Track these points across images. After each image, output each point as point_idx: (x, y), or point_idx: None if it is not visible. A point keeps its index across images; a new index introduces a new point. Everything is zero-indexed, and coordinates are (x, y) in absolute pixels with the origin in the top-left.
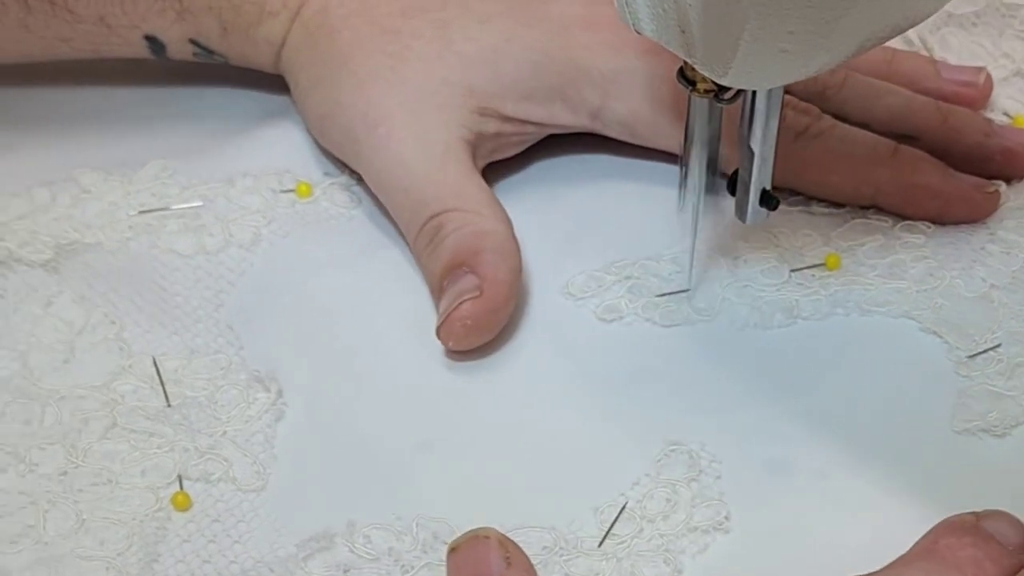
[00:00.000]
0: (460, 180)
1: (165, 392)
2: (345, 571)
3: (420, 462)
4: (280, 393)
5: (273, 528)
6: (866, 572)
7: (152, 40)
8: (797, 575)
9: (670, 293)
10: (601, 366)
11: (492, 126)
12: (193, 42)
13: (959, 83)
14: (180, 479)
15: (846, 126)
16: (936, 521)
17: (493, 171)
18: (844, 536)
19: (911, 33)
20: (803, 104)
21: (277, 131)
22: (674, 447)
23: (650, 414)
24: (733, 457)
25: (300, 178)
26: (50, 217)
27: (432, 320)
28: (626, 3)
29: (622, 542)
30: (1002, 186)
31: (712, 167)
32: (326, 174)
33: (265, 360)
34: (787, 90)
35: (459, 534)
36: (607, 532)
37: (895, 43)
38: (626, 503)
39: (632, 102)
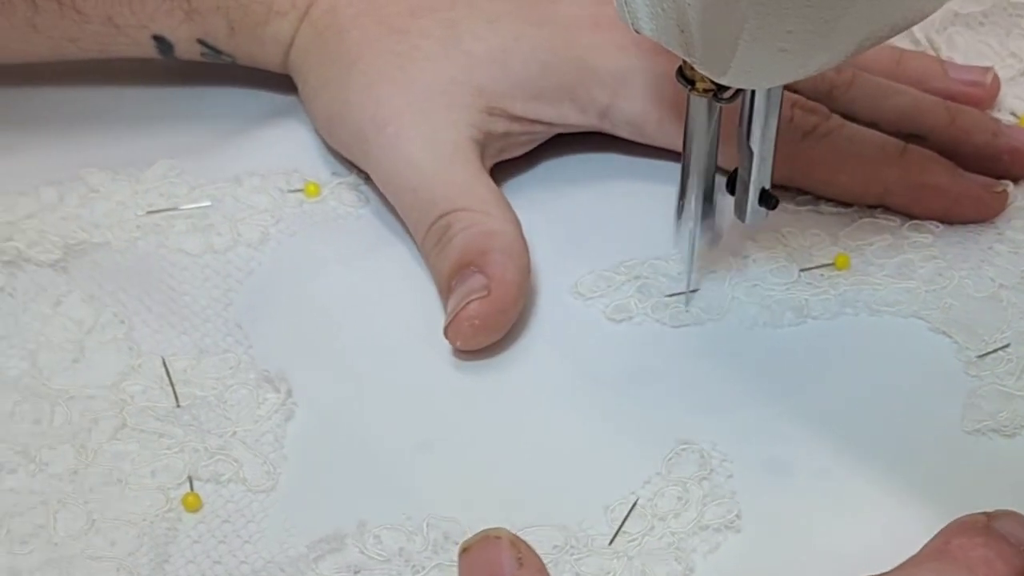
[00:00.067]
0: (468, 180)
1: (175, 392)
2: (356, 572)
3: (430, 462)
4: (290, 393)
5: (283, 528)
6: (877, 572)
7: (160, 40)
8: (808, 575)
9: (679, 293)
10: (611, 365)
11: (501, 126)
12: (201, 42)
13: (966, 83)
14: (190, 480)
15: (854, 125)
16: (947, 521)
17: (501, 170)
18: (854, 536)
19: (918, 33)
20: (811, 103)
21: (285, 131)
22: (685, 446)
23: (660, 413)
24: (744, 456)
25: (308, 178)
26: (58, 216)
27: (440, 320)
28: (625, 3)
29: (633, 540)
30: (1010, 186)
31: (709, 194)
32: (334, 173)
33: (274, 359)
34: (795, 89)
35: (470, 534)
36: (618, 529)
37: (902, 43)
38: (637, 500)
39: (641, 101)
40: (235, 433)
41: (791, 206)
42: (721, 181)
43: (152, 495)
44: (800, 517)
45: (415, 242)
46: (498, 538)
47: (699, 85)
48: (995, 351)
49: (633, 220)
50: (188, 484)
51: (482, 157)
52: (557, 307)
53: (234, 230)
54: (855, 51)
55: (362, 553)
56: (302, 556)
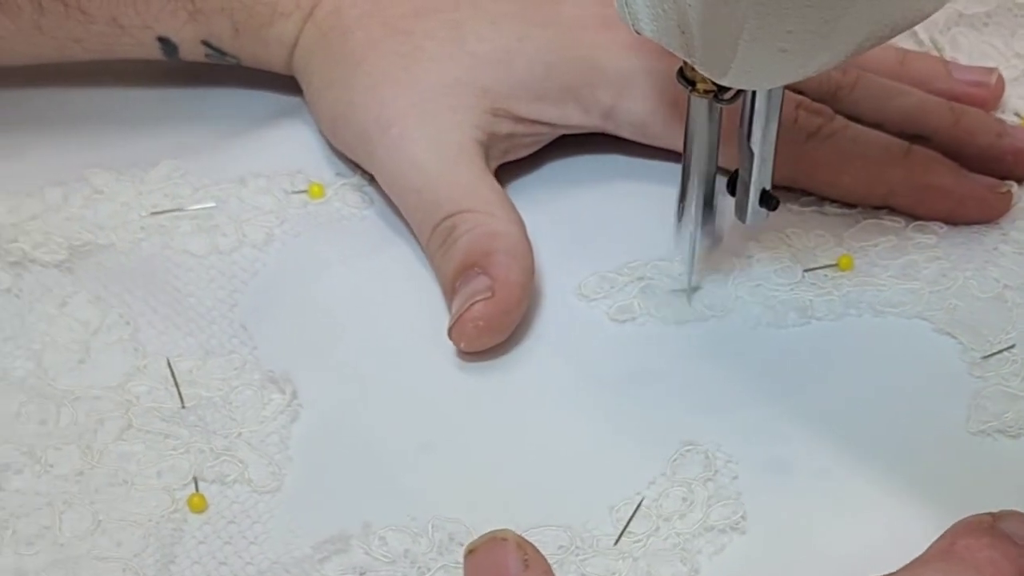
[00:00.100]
0: (473, 181)
1: (180, 393)
2: (361, 573)
3: (435, 463)
4: (295, 394)
5: (289, 529)
6: (883, 573)
7: (164, 41)
8: (814, 575)
9: (681, 290)
10: (614, 366)
11: (505, 127)
12: (205, 43)
13: (970, 84)
14: (196, 481)
15: (858, 126)
16: (952, 522)
17: (506, 172)
18: (859, 537)
19: (922, 33)
20: (815, 105)
21: (289, 132)
22: (689, 447)
23: (664, 414)
24: (748, 457)
25: (312, 179)
26: (62, 217)
27: (445, 321)
28: (625, 3)
29: (638, 541)
30: (1014, 186)
31: (709, 198)
32: (338, 174)
33: (279, 360)
34: (799, 90)
35: (475, 535)
36: (623, 529)
37: (906, 43)
38: (642, 499)
39: (645, 102)
40: (240, 434)
41: (795, 207)
42: (722, 182)
43: (158, 496)
44: (805, 518)
45: (419, 243)
46: (504, 539)
47: (700, 86)
48: (1000, 352)
49: (637, 221)
50: (193, 485)
51: (486, 158)
52: (561, 308)
53: (239, 231)
54: (855, 51)
55: (367, 554)
56: (307, 557)
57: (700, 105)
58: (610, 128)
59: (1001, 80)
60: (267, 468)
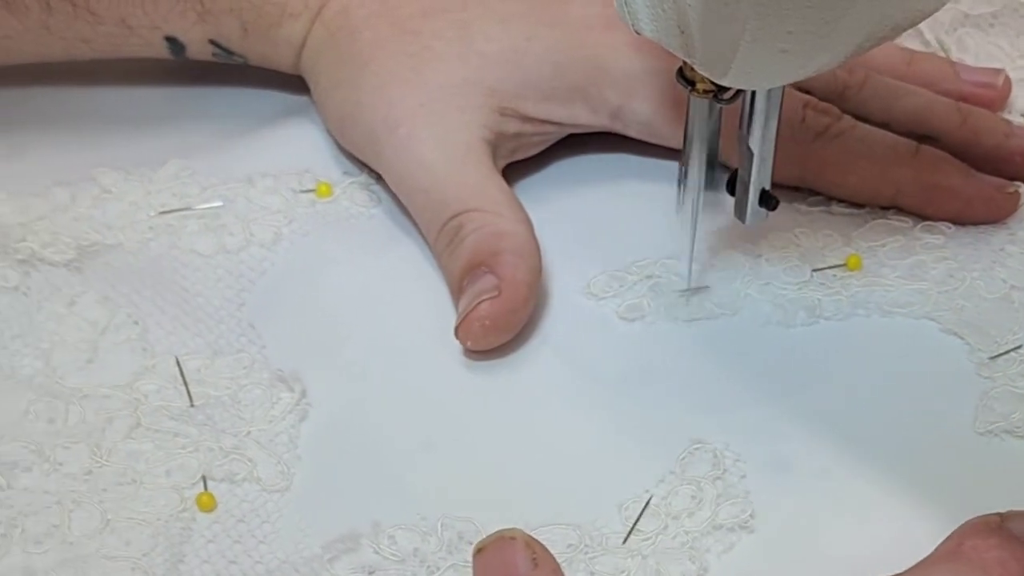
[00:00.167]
0: (480, 180)
1: (188, 392)
2: (371, 573)
3: (443, 462)
4: (304, 393)
5: (298, 528)
6: (891, 573)
7: (172, 41)
8: (822, 575)
9: (690, 289)
10: (623, 365)
11: (513, 126)
12: (213, 43)
13: (977, 84)
14: (204, 479)
15: (866, 126)
16: (960, 522)
17: (513, 171)
18: (866, 537)
19: (928, 34)
20: (823, 104)
21: (297, 131)
22: (698, 445)
23: (673, 413)
24: (757, 456)
25: (320, 178)
26: (70, 218)
27: (453, 320)
28: (625, 3)
29: (647, 539)
30: (1022, 187)
31: (712, 163)
32: (346, 173)
33: (288, 359)
34: (807, 90)
35: (484, 534)
36: (632, 527)
37: (912, 44)
38: (650, 498)
39: (652, 102)
40: (249, 433)
41: (803, 207)
42: (721, 183)
43: (166, 495)
44: (813, 517)
45: (427, 242)
46: (513, 538)
47: (699, 86)
48: (1007, 352)
49: (645, 220)
50: (202, 484)
51: (494, 158)
52: (569, 307)
53: (246, 230)
54: (856, 51)
55: (377, 553)
56: (316, 556)
57: (700, 105)
58: (618, 128)
59: (1008, 81)
60: (276, 467)
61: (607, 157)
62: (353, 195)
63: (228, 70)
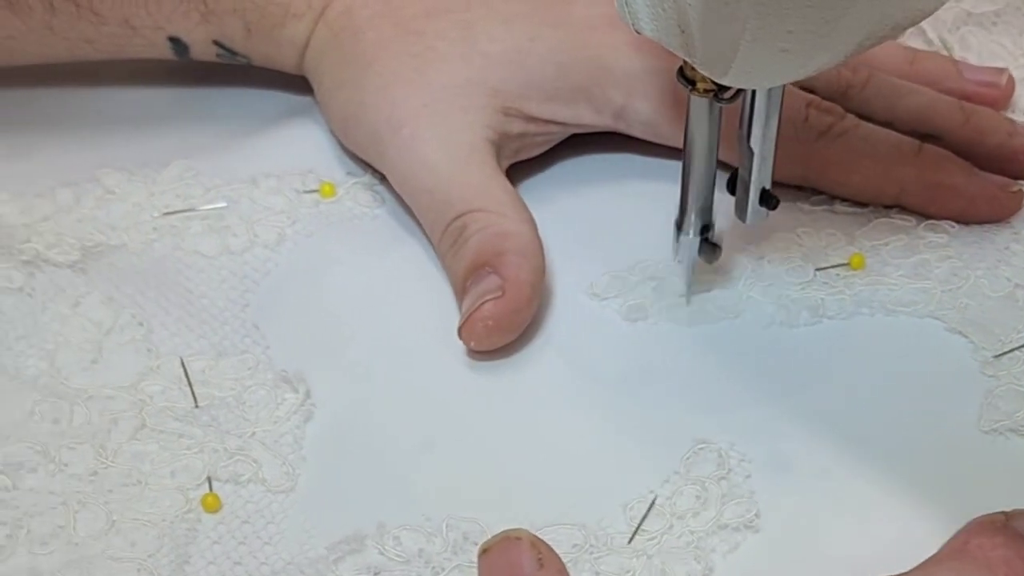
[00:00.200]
0: (484, 181)
1: (193, 393)
2: (376, 574)
3: (447, 462)
4: (308, 394)
5: (303, 529)
6: (896, 572)
7: (176, 42)
8: (827, 574)
9: (694, 292)
10: (626, 365)
11: (516, 126)
12: (217, 43)
13: (981, 83)
14: (209, 480)
15: (870, 125)
16: (965, 521)
17: (517, 171)
18: (871, 536)
19: (931, 33)
20: (826, 103)
21: (300, 131)
22: (702, 445)
23: (677, 412)
24: (761, 456)
25: (323, 178)
26: (74, 219)
27: (457, 320)
28: (626, 3)
29: (652, 539)
30: None
31: (708, 205)
32: (349, 174)
33: (292, 360)
34: (811, 89)
35: (489, 535)
36: (637, 527)
37: (915, 43)
38: (655, 498)
39: (656, 102)
40: (254, 434)
41: (806, 206)
42: (721, 182)
43: (172, 496)
44: (818, 517)
45: (431, 243)
46: (518, 539)
47: (700, 85)
48: (1012, 351)
49: (648, 221)
50: (207, 485)
51: (498, 158)
52: (573, 307)
53: (250, 231)
54: (856, 50)
55: (382, 554)
56: (322, 557)
57: (700, 105)
58: (622, 127)
59: (1012, 80)
60: (281, 468)
61: (611, 157)
62: (357, 195)
63: (232, 71)
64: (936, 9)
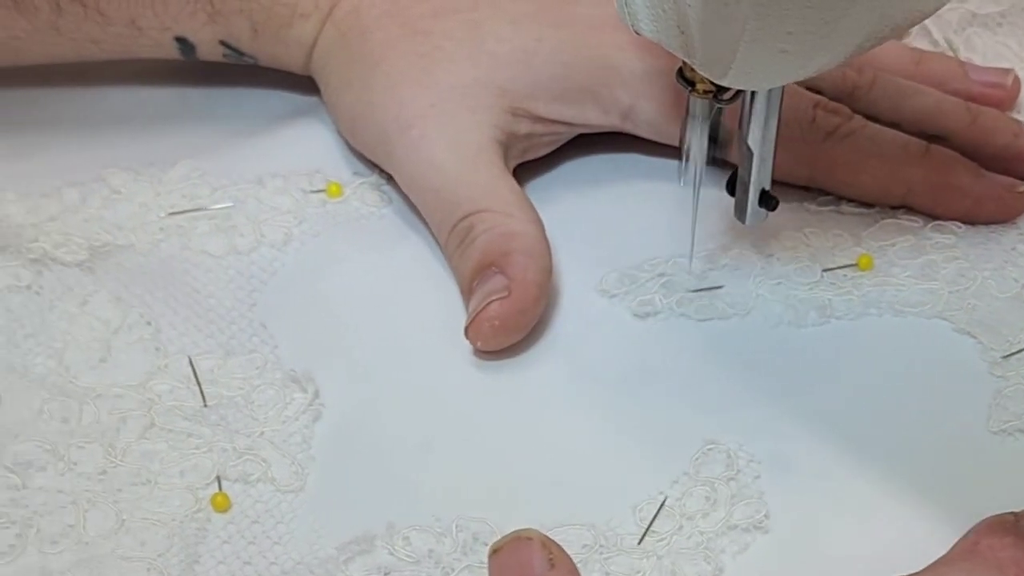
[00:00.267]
0: (492, 181)
1: (202, 392)
2: (386, 574)
3: (457, 463)
4: (317, 393)
5: (312, 529)
6: (907, 573)
7: (182, 42)
8: (836, 575)
9: (703, 289)
10: (635, 365)
11: (524, 126)
12: (223, 43)
13: (987, 84)
14: (219, 480)
15: (876, 126)
16: (975, 521)
17: (524, 171)
18: (882, 536)
19: (936, 34)
20: (833, 104)
21: (307, 131)
22: (711, 446)
23: (686, 413)
24: (770, 456)
25: (330, 178)
26: (81, 219)
27: (464, 320)
28: (625, 3)
29: (662, 539)
30: None
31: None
32: (356, 174)
33: (300, 359)
34: (817, 90)
35: (499, 535)
36: (647, 528)
37: (920, 43)
38: (665, 498)
39: (662, 102)
40: (263, 433)
41: (813, 207)
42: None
43: (181, 495)
44: (827, 517)
45: (438, 243)
46: (529, 539)
47: (699, 86)
48: (1020, 351)
49: (655, 220)
50: (217, 484)
51: (505, 158)
52: (581, 306)
53: (257, 231)
54: (856, 51)
55: (392, 555)
56: (331, 558)
57: (700, 105)
58: (628, 127)
59: (1018, 81)
60: (290, 467)
61: (617, 157)
62: (363, 195)
63: (238, 71)
64: (936, 10)
